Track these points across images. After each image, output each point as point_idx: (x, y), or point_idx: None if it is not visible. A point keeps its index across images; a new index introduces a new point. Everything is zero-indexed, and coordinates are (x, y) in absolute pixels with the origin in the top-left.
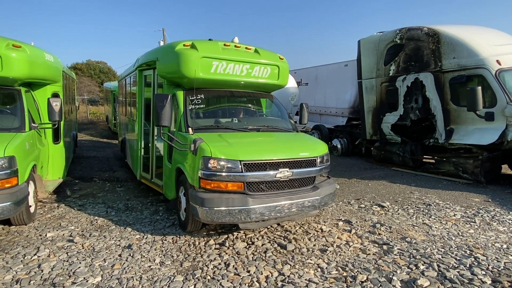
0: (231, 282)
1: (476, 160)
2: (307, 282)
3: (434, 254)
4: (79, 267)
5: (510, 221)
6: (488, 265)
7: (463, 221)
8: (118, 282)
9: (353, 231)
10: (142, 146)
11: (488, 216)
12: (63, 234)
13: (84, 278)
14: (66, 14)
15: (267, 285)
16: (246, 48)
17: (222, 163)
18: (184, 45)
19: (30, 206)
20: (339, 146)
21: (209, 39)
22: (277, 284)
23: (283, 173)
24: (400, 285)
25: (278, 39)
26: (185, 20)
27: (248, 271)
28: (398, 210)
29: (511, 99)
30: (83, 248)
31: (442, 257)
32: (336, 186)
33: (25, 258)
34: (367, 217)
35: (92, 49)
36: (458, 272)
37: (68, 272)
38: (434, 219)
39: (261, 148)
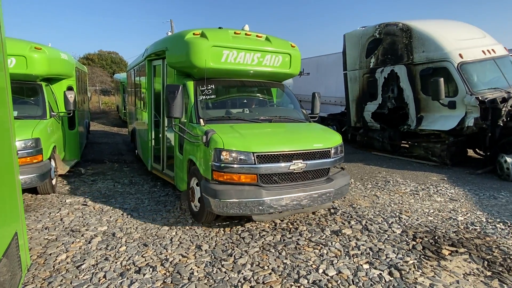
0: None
1: (443, 144)
2: (260, 230)
3: (368, 215)
4: (91, 220)
5: (450, 194)
6: (406, 222)
7: (409, 194)
8: (119, 230)
9: None
10: (153, 137)
11: (433, 190)
12: (79, 200)
13: (94, 227)
14: (77, 5)
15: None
16: (257, 36)
17: (234, 155)
18: (194, 34)
19: (52, 179)
20: None
21: (219, 27)
22: (238, 231)
23: (297, 165)
24: (329, 233)
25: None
26: (191, 11)
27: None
28: (358, 185)
29: (470, 90)
30: (94, 209)
31: (374, 217)
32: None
33: (51, 215)
34: None
35: (103, 40)
36: (379, 226)
37: (83, 223)
38: (386, 192)
39: (274, 140)
